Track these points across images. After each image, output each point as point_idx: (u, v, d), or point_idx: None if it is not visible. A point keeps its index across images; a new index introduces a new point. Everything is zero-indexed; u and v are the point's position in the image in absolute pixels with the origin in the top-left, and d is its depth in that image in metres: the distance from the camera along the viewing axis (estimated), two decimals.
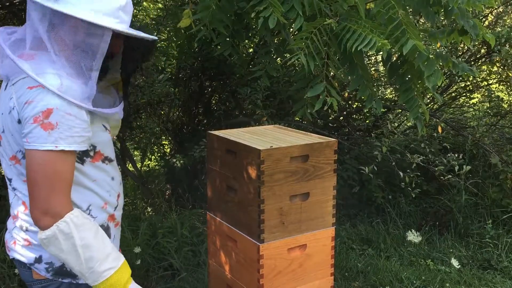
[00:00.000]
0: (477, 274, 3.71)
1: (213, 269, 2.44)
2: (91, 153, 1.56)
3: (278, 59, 2.84)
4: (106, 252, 1.51)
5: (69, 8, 1.40)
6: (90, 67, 1.44)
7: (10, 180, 1.60)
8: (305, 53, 1.94)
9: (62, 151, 1.40)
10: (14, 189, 1.60)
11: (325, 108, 2.15)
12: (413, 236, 3.08)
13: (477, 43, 4.87)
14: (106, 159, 1.63)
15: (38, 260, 1.60)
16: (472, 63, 5.26)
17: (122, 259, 1.57)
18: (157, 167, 5.65)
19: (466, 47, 5.01)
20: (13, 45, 1.47)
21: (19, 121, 1.42)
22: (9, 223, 1.69)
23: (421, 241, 3.88)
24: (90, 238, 1.47)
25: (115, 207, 1.70)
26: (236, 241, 2.23)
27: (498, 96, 5.98)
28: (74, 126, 1.42)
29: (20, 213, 1.60)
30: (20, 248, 1.62)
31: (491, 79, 5.78)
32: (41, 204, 1.41)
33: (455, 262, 2.93)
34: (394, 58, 2.27)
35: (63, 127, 1.40)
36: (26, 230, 1.59)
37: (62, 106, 1.39)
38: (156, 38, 1.62)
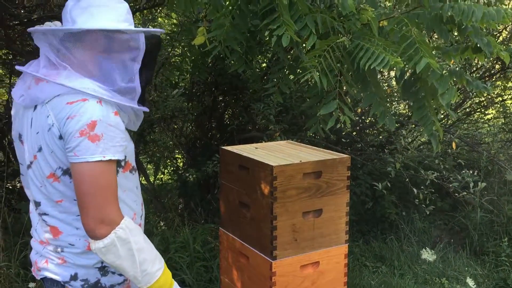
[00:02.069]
0: None
1: (226, 286, 2.43)
2: (122, 163, 1.59)
3: (291, 75, 2.86)
4: (154, 253, 1.55)
5: (94, 23, 1.46)
6: (133, 69, 1.52)
7: (38, 204, 1.59)
8: (318, 70, 1.94)
9: (109, 160, 1.44)
10: (42, 214, 1.59)
11: (338, 126, 2.14)
12: (428, 255, 3.03)
13: (491, 59, 4.84)
14: (133, 169, 1.65)
15: (74, 277, 1.60)
16: (487, 78, 5.22)
17: (163, 259, 1.60)
18: (170, 181, 5.67)
19: (480, 62, 4.98)
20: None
21: (61, 137, 1.45)
22: (35, 244, 1.68)
23: (435, 259, 3.82)
24: (142, 241, 1.51)
25: (141, 216, 1.73)
26: (248, 257, 2.22)
27: None
28: (115, 136, 1.46)
29: (50, 240, 1.60)
30: (53, 267, 1.61)
31: (506, 95, 5.72)
32: (96, 214, 1.42)
33: (470, 282, 2.87)
34: (408, 75, 2.27)
35: (107, 138, 1.43)
36: (62, 252, 1.59)
37: (104, 118, 1.43)
38: (163, 30, 1.66)
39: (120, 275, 1.64)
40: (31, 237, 1.72)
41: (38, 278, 1.68)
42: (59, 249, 1.59)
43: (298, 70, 2.47)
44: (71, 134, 1.41)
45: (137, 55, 1.51)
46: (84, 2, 1.47)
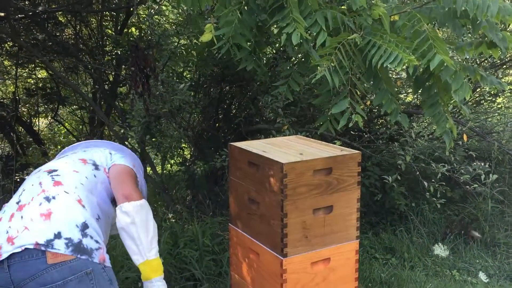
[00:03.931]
0: (504, 286, 3.61)
1: (236, 282, 2.43)
2: None
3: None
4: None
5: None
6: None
7: (55, 170, 1.96)
8: (329, 68, 1.90)
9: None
10: (55, 175, 1.92)
11: (350, 125, 2.10)
12: (440, 250, 3.00)
13: None
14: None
15: (58, 235, 1.65)
16: (498, 66, 5.14)
17: None
18: (178, 173, 5.66)
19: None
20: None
21: (110, 155, 2.17)
22: (15, 217, 1.72)
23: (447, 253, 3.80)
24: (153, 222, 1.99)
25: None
26: (258, 254, 2.21)
27: None
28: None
29: (52, 186, 1.87)
30: (35, 229, 1.64)
31: None
32: (133, 187, 2.01)
33: (483, 276, 2.84)
34: (421, 70, 2.22)
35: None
36: (54, 198, 1.79)
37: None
38: None
39: (96, 242, 1.75)
40: None
41: (13, 251, 1.63)
42: (51, 196, 1.78)
43: (308, 67, 2.43)
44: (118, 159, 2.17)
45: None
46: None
